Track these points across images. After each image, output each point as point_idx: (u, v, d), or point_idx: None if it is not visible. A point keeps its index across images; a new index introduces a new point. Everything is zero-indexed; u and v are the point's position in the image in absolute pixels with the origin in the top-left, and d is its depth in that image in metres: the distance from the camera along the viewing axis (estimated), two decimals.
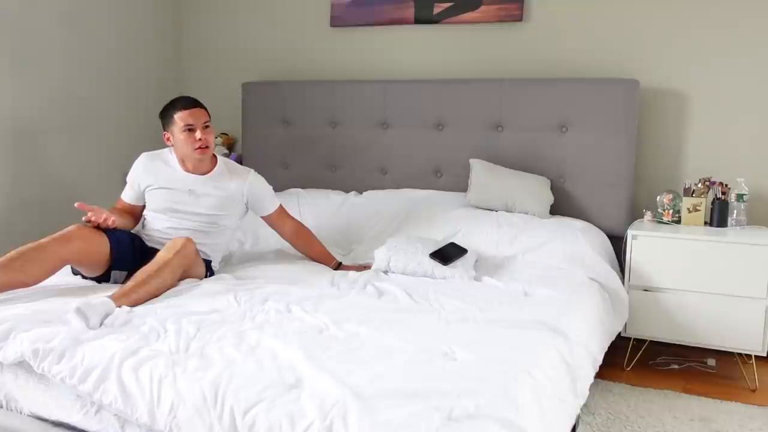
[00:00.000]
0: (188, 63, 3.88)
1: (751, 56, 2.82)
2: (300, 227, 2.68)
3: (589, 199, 2.94)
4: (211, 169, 2.53)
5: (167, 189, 2.47)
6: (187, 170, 2.50)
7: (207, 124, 2.46)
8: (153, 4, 3.65)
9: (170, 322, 1.79)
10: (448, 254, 2.47)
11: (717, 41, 2.87)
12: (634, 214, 2.97)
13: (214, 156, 2.58)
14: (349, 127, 3.36)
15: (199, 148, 2.43)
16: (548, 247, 2.65)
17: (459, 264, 2.45)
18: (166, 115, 2.47)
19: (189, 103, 2.45)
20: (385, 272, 2.51)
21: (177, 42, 3.85)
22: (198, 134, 2.41)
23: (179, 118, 2.41)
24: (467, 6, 3.20)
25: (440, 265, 2.43)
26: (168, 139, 2.48)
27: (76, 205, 2.26)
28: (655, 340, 2.71)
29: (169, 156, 2.54)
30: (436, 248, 2.50)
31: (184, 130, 2.41)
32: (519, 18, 3.11)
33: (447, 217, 2.87)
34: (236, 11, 3.73)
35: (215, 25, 3.79)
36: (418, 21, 3.29)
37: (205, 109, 2.49)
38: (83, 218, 2.29)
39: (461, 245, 2.57)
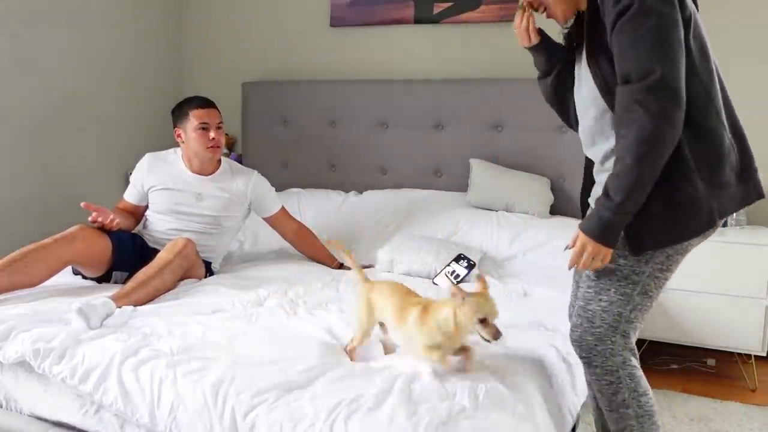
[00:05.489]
0: (188, 63, 3.88)
1: (750, 56, 2.82)
2: (301, 228, 2.68)
3: None
4: (216, 170, 2.54)
5: (172, 190, 2.47)
6: (192, 170, 2.51)
7: (220, 125, 2.50)
8: (153, 4, 3.65)
9: (170, 323, 1.79)
10: (459, 273, 2.42)
11: (716, 40, 2.85)
12: None
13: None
14: (349, 126, 3.36)
15: (212, 147, 2.45)
16: (548, 246, 2.65)
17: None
18: (180, 112, 2.48)
19: (205, 102, 2.49)
20: (388, 272, 2.51)
21: (177, 42, 3.85)
22: (212, 134, 2.44)
23: (194, 115, 2.44)
24: (467, 6, 3.20)
25: (446, 271, 2.42)
26: (179, 136, 2.49)
27: (82, 205, 2.26)
28: (655, 340, 2.71)
29: (174, 157, 2.55)
30: (445, 264, 2.46)
31: (198, 128, 2.43)
32: None
33: (447, 217, 2.87)
34: (236, 11, 3.73)
35: (215, 25, 3.79)
36: (418, 21, 3.28)
37: (219, 110, 2.53)
38: (89, 218, 2.29)
39: (468, 256, 2.49)
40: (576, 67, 1.60)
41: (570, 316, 1.72)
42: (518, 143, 3.05)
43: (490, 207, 2.91)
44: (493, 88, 3.08)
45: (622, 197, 1.36)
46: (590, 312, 1.49)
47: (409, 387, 1.44)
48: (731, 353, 2.73)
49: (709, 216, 1.41)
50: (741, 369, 2.70)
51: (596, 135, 1.52)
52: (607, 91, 1.42)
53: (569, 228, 2.73)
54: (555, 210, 2.95)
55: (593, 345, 1.49)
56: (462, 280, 2.38)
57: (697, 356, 2.83)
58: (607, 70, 1.41)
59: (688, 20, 1.38)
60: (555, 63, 1.64)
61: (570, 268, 1.50)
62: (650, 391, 1.54)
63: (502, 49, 3.19)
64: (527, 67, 3.15)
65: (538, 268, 2.55)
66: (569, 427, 1.66)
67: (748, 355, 2.67)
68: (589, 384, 1.64)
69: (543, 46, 1.62)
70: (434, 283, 2.40)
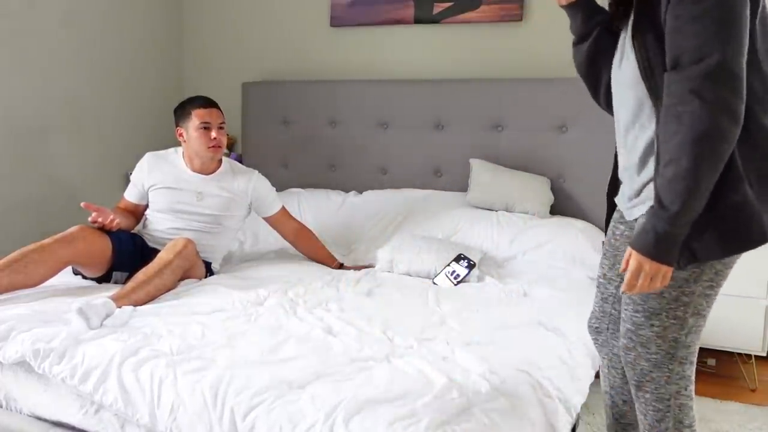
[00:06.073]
0: (188, 63, 3.88)
1: None
2: (302, 228, 2.68)
3: (589, 199, 2.94)
4: (217, 169, 2.55)
5: (172, 189, 2.48)
6: (193, 170, 2.51)
7: (222, 125, 2.50)
8: (153, 5, 3.65)
9: (170, 323, 1.79)
10: (459, 274, 2.43)
11: None
12: None
13: None
14: (349, 127, 3.36)
15: (213, 146, 2.46)
16: (548, 247, 2.65)
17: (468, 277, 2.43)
18: (182, 111, 2.49)
19: (208, 102, 2.51)
20: (388, 272, 2.51)
21: (177, 42, 3.85)
22: (213, 134, 2.45)
23: (197, 115, 2.45)
24: (467, 6, 3.19)
25: (446, 272, 2.42)
26: (180, 135, 2.50)
27: (82, 204, 2.26)
28: None
29: (174, 156, 2.56)
30: (445, 264, 2.46)
31: (200, 128, 2.44)
32: (519, 18, 3.11)
33: (447, 217, 2.87)
34: (236, 11, 3.73)
35: (215, 25, 3.79)
36: (418, 21, 3.28)
37: (221, 111, 2.54)
38: (89, 218, 2.29)
39: (468, 256, 2.49)
40: (620, 40, 1.40)
41: (594, 327, 1.63)
42: (518, 143, 3.05)
43: (490, 207, 2.91)
44: (493, 88, 3.08)
45: (679, 206, 1.17)
46: (643, 337, 1.36)
47: (409, 388, 1.44)
48: (731, 353, 2.73)
49: (760, 228, 1.25)
50: (741, 369, 2.70)
51: (632, 124, 1.36)
52: (650, 73, 1.24)
53: (569, 228, 2.74)
54: (555, 210, 2.95)
55: (648, 371, 1.38)
56: (462, 280, 2.38)
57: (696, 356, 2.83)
58: (655, 49, 1.22)
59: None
60: (593, 26, 1.44)
61: (626, 293, 1.30)
62: (695, 424, 1.44)
63: (502, 49, 3.19)
64: (527, 67, 3.18)
65: (538, 268, 2.55)
66: (569, 427, 1.65)
67: (748, 355, 2.67)
68: (611, 397, 1.61)
69: (582, 4, 1.44)
70: (434, 282, 2.40)
